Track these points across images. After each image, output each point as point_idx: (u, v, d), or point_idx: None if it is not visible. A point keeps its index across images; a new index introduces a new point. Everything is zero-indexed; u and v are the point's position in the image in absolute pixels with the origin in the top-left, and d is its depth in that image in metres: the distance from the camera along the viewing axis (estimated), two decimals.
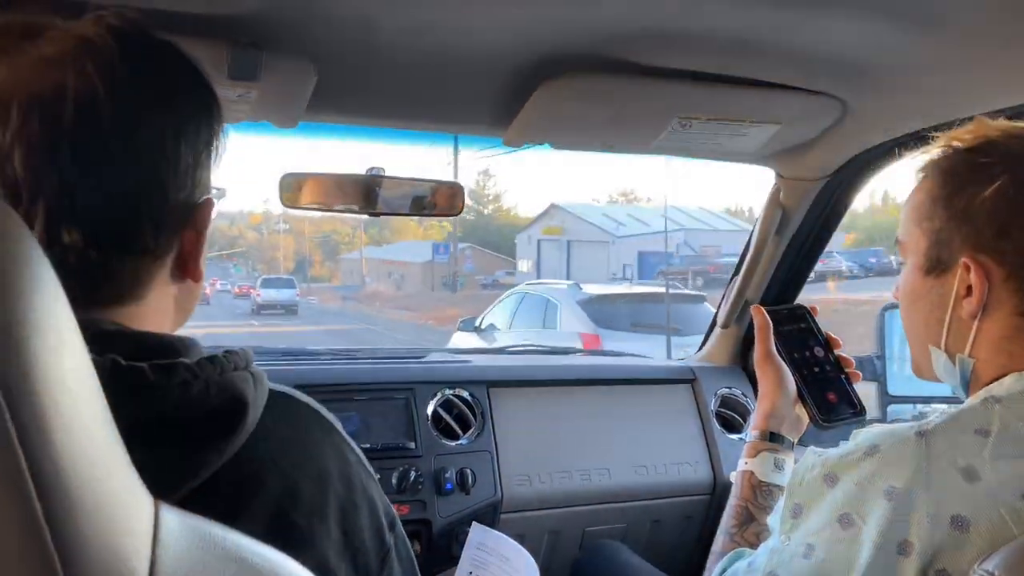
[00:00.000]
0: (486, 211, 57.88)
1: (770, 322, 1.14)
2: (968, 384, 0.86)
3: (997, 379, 0.80)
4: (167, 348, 0.58)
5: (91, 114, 0.56)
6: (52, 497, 0.35)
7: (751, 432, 1.12)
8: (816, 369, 1.13)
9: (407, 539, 0.72)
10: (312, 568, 0.58)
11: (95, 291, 0.59)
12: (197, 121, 0.63)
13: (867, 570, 0.72)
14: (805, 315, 1.18)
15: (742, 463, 1.10)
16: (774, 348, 1.13)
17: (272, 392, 0.63)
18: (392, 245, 55.10)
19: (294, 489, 0.60)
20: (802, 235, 1.81)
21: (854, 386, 1.14)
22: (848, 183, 1.70)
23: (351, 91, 1.30)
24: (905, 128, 1.43)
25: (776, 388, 1.11)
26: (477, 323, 8.91)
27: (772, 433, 1.09)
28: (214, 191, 0.67)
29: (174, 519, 0.44)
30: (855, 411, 1.12)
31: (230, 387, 0.57)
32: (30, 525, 0.34)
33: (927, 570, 0.70)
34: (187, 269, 0.65)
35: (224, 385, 0.57)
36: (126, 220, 0.59)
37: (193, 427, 0.55)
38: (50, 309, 0.38)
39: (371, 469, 0.69)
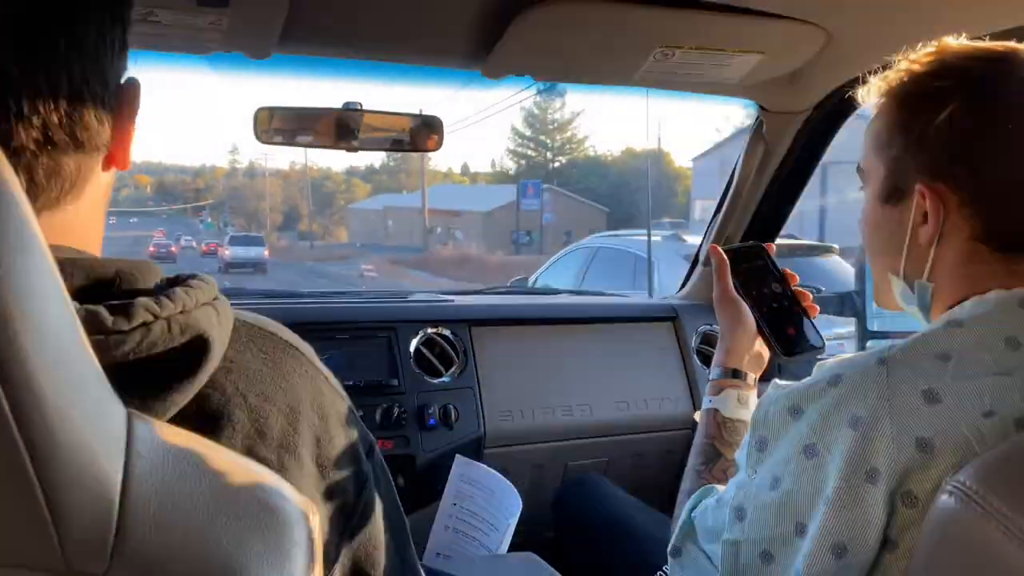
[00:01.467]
0: (553, 142, 43.39)
1: (727, 260, 1.15)
2: (928, 309, 0.86)
3: (957, 304, 0.80)
4: (122, 277, 0.56)
5: (32, 8, 0.54)
6: (19, 391, 0.34)
7: (714, 370, 1.12)
8: (775, 305, 1.14)
9: (386, 465, 0.71)
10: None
11: (43, 191, 0.56)
12: (118, 11, 0.60)
13: (834, 499, 0.72)
14: (762, 252, 1.19)
15: (706, 401, 1.11)
16: (732, 286, 1.13)
17: (239, 321, 0.61)
18: (414, 193, 44.28)
19: (263, 423, 0.58)
20: (784, 171, 1.80)
21: (812, 320, 1.15)
22: (832, 115, 1.68)
23: (324, 20, 1.26)
24: (888, 57, 1.41)
25: (736, 325, 1.11)
26: (531, 283, 6.66)
27: (734, 370, 1.10)
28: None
29: (146, 430, 0.44)
30: (814, 344, 1.13)
31: (193, 326, 0.54)
32: None
33: (895, 493, 0.71)
34: (116, 158, 0.62)
35: (186, 324, 0.54)
36: (75, 114, 0.56)
37: (155, 368, 0.52)
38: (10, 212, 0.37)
39: (345, 395, 0.68)
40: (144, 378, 0.52)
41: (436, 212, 36.24)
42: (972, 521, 0.58)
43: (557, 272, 6.94)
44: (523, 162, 44.41)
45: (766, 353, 1.13)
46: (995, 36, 1.14)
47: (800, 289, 1.16)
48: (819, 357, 1.18)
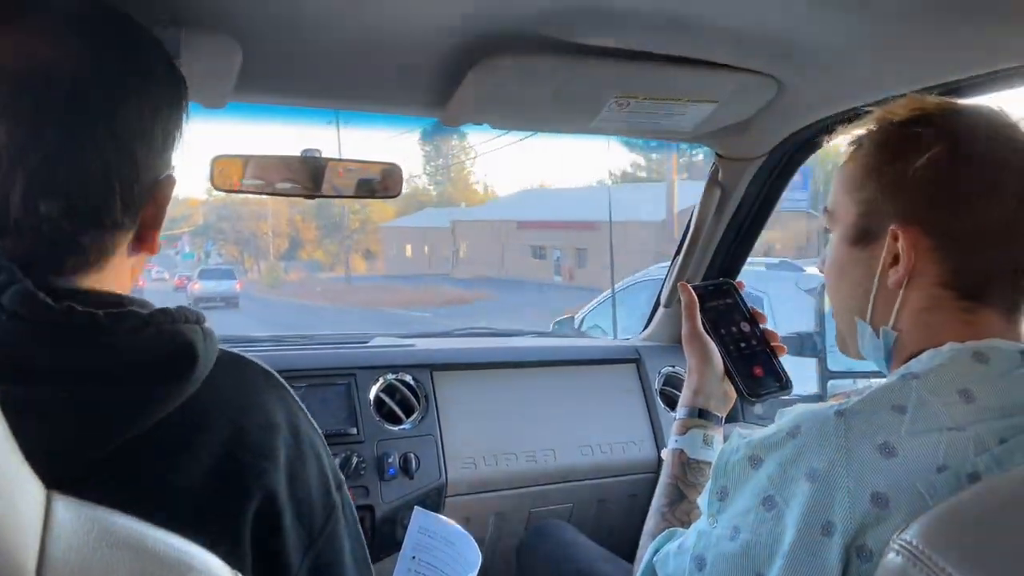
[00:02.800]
0: None
1: (696, 299, 1.15)
2: (890, 358, 0.87)
3: (915, 354, 0.81)
4: (121, 301, 0.61)
5: (79, 93, 0.59)
6: None
7: (680, 409, 1.12)
8: (743, 344, 1.14)
9: (353, 506, 0.74)
10: (261, 499, 0.61)
11: (62, 260, 0.62)
12: (169, 102, 0.67)
13: (791, 552, 0.72)
14: (731, 291, 1.19)
15: (672, 441, 1.10)
16: (700, 325, 1.13)
17: (223, 351, 0.66)
18: (481, 206, 38.43)
19: (241, 432, 0.62)
20: (741, 214, 1.83)
21: (780, 360, 1.15)
22: (786, 162, 1.71)
23: (280, 70, 1.26)
24: (839, 106, 1.44)
25: (703, 364, 1.11)
26: (577, 323, 4.91)
27: (701, 410, 1.09)
28: (173, 169, 0.70)
29: (67, 509, 0.43)
30: (781, 385, 1.13)
31: (180, 336, 0.60)
32: None
33: (849, 547, 0.71)
34: (145, 243, 0.69)
35: (174, 334, 0.60)
36: (101, 195, 0.62)
37: (143, 372, 0.58)
38: None
39: (318, 429, 0.72)
40: (137, 380, 0.58)
41: (541, 225, 27.01)
42: None
43: (607, 310, 4.66)
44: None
45: (733, 393, 1.13)
46: (931, 90, 1.18)
47: (768, 330, 1.17)
48: (784, 399, 1.18)
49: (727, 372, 1.12)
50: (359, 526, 0.74)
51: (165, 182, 0.68)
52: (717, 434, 1.09)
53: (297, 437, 0.67)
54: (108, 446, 0.55)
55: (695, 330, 1.13)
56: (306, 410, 0.72)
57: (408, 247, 38.54)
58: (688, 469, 1.06)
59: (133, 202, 0.64)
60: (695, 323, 1.13)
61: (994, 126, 0.83)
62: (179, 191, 0.71)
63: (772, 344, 1.15)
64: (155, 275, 36.97)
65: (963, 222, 0.80)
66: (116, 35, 0.64)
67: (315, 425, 0.72)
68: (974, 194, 0.80)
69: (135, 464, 0.56)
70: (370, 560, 0.74)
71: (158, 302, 0.64)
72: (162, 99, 0.66)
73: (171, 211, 0.72)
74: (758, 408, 1.90)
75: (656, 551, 0.93)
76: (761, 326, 1.16)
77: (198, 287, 25.89)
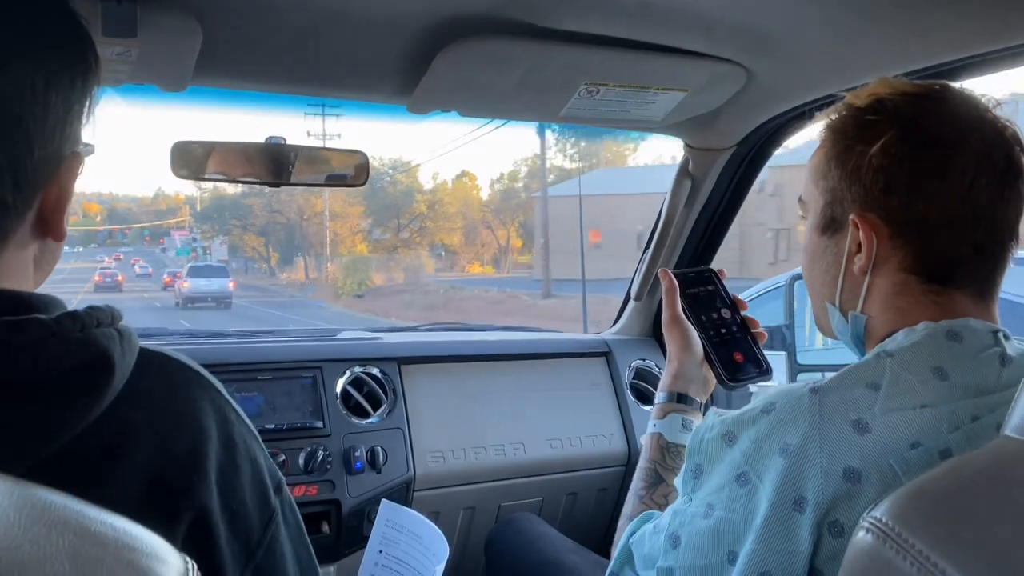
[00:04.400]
0: None
1: (677, 284, 1.14)
2: (862, 341, 0.87)
3: (890, 335, 0.82)
4: (22, 304, 0.54)
5: None
6: None
7: (659, 394, 1.11)
8: (723, 330, 1.14)
9: (295, 504, 0.69)
10: (192, 520, 0.56)
11: None
12: (71, 72, 0.59)
13: (763, 527, 0.72)
14: (712, 277, 1.19)
15: (651, 425, 1.10)
16: (681, 310, 1.13)
17: (144, 352, 0.59)
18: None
19: (168, 449, 0.57)
20: (712, 205, 1.83)
21: (760, 347, 1.15)
22: (756, 152, 1.71)
23: (242, 53, 1.23)
24: (810, 95, 1.44)
25: (683, 349, 1.11)
26: None
27: (680, 394, 1.09)
28: (83, 146, 0.63)
29: (3, 489, 0.40)
30: (761, 370, 1.13)
31: (92, 345, 0.53)
32: None
33: (821, 523, 0.70)
34: (49, 227, 0.61)
35: (85, 342, 0.53)
36: None
37: (50, 387, 0.51)
38: None
39: (253, 429, 0.66)
40: (43, 397, 0.51)
41: None
42: (889, 558, 0.57)
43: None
44: None
45: (712, 378, 1.13)
46: (909, 76, 1.18)
47: (749, 317, 1.17)
48: (763, 384, 1.17)
49: (707, 357, 1.11)
50: (302, 527, 0.70)
51: (70, 159, 0.61)
52: (696, 418, 1.09)
53: (229, 445, 0.61)
54: (15, 470, 0.46)
55: (675, 315, 1.12)
56: (239, 409, 0.65)
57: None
58: (666, 453, 1.06)
59: (27, 182, 0.57)
60: (675, 309, 1.13)
61: (956, 107, 0.82)
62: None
63: (752, 331, 1.15)
64: (138, 269, 35.23)
65: (917, 206, 0.80)
66: None
67: (249, 425, 0.66)
68: (926, 178, 0.80)
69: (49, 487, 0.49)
70: (316, 561, 0.70)
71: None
72: (59, 64, 0.58)
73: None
74: (732, 393, 1.90)
75: (633, 533, 0.93)
76: (742, 313, 1.17)
77: (187, 285, 23.71)
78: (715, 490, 0.79)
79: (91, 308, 0.56)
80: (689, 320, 1.13)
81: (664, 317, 1.14)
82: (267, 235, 34.77)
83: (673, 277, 1.15)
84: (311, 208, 32.95)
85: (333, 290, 27.78)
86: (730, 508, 0.76)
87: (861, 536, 0.59)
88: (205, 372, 0.65)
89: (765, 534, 0.72)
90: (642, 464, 1.08)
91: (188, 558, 0.47)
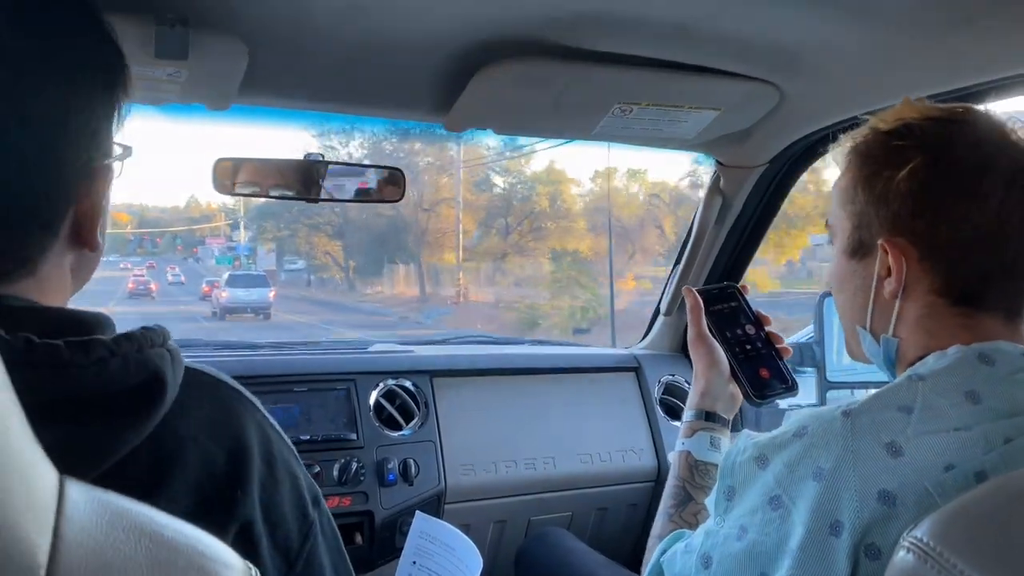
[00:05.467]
0: None
1: (701, 303, 1.15)
2: (894, 364, 0.87)
3: (920, 358, 0.82)
4: (82, 324, 0.56)
5: None
6: None
7: (687, 412, 1.12)
8: (748, 347, 1.14)
9: (333, 519, 0.71)
10: (237, 531, 0.58)
11: None
12: (102, 84, 0.59)
13: (799, 552, 0.72)
14: (736, 294, 1.20)
15: (679, 443, 1.10)
16: (706, 328, 1.13)
17: (190, 370, 0.61)
18: None
19: (213, 464, 0.58)
20: (743, 222, 1.83)
21: (785, 362, 1.15)
22: (787, 170, 1.72)
23: (285, 72, 1.26)
24: (840, 115, 1.45)
25: (710, 367, 1.11)
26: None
27: (707, 412, 1.10)
28: (118, 150, 0.64)
29: (81, 493, 0.42)
30: (787, 386, 1.13)
31: (148, 364, 0.55)
32: None
33: (858, 546, 0.71)
34: (83, 239, 0.61)
35: (142, 362, 0.55)
36: (17, 194, 0.55)
37: (110, 405, 0.53)
38: None
39: (291, 444, 0.68)
40: (101, 414, 0.52)
41: None
42: None
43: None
44: None
45: (739, 395, 1.13)
46: (935, 98, 1.19)
47: (773, 332, 1.17)
48: (789, 405, 1.17)
49: (733, 374, 1.12)
50: (339, 539, 0.71)
51: (102, 171, 0.61)
52: (724, 436, 1.09)
53: (269, 460, 0.63)
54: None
55: (701, 333, 1.13)
56: (276, 425, 0.67)
57: None
58: (695, 471, 1.06)
59: (59, 196, 0.58)
60: (701, 326, 1.13)
61: (982, 130, 0.83)
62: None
63: (777, 347, 1.16)
64: (171, 277, 33.10)
65: (946, 231, 0.81)
66: (26, 8, 0.55)
67: (287, 441, 0.67)
68: (954, 202, 0.80)
69: None
70: (353, 572, 0.72)
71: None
72: (89, 77, 0.58)
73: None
74: (761, 410, 1.90)
75: (663, 552, 0.94)
76: (766, 328, 1.17)
77: (225, 295, 22.11)
78: (748, 513, 0.79)
79: (145, 328, 0.57)
80: (714, 337, 1.13)
81: (690, 335, 1.15)
82: (344, 237, 26.89)
83: (697, 295, 1.16)
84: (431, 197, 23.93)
85: (491, 315, 20.03)
86: (763, 531, 0.76)
87: (902, 556, 0.60)
88: (245, 390, 0.66)
89: (802, 559, 0.72)
90: (671, 483, 1.08)
91: (251, 565, 0.49)
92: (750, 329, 1.16)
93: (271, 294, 22.84)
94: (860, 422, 0.75)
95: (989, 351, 0.78)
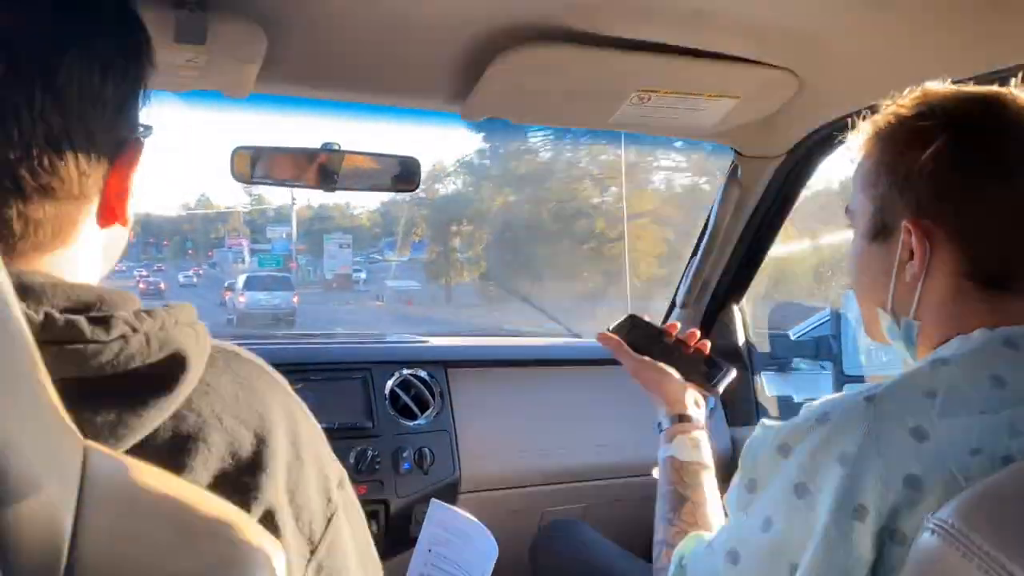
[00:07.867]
0: None
1: (618, 338, 1.25)
2: (915, 346, 0.86)
3: (943, 342, 0.81)
4: (103, 301, 0.56)
5: (7, 56, 0.53)
6: None
7: (663, 422, 1.19)
8: (676, 355, 1.25)
9: (357, 501, 0.70)
10: (261, 515, 0.57)
11: (17, 240, 0.56)
12: (125, 55, 0.60)
13: (824, 537, 0.71)
14: (638, 321, 1.31)
15: (662, 451, 1.16)
16: (636, 355, 1.22)
17: (216, 348, 0.60)
18: None
19: (238, 445, 0.58)
20: (760, 213, 1.82)
21: (710, 350, 1.27)
22: (805, 160, 1.71)
23: (303, 60, 1.26)
24: (860, 102, 1.42)
25: (662, 380, 1.20)
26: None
27: (680, 415, 1.17)
28: (141, 129, 0.64)
29: (104, 459, 0.42)
30: (726, 369, 1.25)
31: (171, 342, 0.55)
32: None
33: (883, 531, 0.70)
34: (114, 213, 0.62)
35: (165, 340, 0.54)
36: (49, 167, 0.55)
37: (132, 383, 0.52)
38: None
39: (317, 425, 0.67)
40: (122, 393, 0.52)
41: None
42: (954, 560, 0.57)
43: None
44: None
45: (698, 392, 1.22)
46: (957, 84, 1.17)
47: (679, 337, 1.27)
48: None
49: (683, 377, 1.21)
50: (363, 522, 0.70)
51: (131, 144, 0.61)
52: (702, 433, 1.16)
53: (295, 443, 0.62)
54: None
55: (635, 360, 1.22)
56: (303, 405, 0.66)
57: None
58: (683, 472, 1.12)
59: (90, 169, 0.58)
60: (631, 356, 1.23)
61: (1007, 111, 0.82)
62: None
63: (695, 344, 1.26)
64: (183, 279, 32.47)
65: (971, 211, 0.80)
66: None
67: (313, 420, 0.67)
68: (979, 182, 0.80)
69: None
70: (378, 557, 0.71)
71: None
72: (114, 49, 0.59)
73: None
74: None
75: (683, 556, 0.93)
76: (675, 335, 1.28)
77: (243, 299, 20.74)
78: (772, 503, 0.78)
79: (168, 306, 0.57)
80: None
81: (629, 369, 1.23)
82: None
83: (610, 335, 1.26)
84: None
85: None
86: (790, 520, 0.75)
87: (926, 538, 0.60)
88: (271, 369, 0.66)
89: (825, 543, 0.71)
90: (663, 489, 1.13)
91: (274, 539, 0.49)
92: (668, 340, 1.27)
93: (294, 298, 21.53)
94: (884, 407, 0.74)
95: (1015, 335, 0.77)
